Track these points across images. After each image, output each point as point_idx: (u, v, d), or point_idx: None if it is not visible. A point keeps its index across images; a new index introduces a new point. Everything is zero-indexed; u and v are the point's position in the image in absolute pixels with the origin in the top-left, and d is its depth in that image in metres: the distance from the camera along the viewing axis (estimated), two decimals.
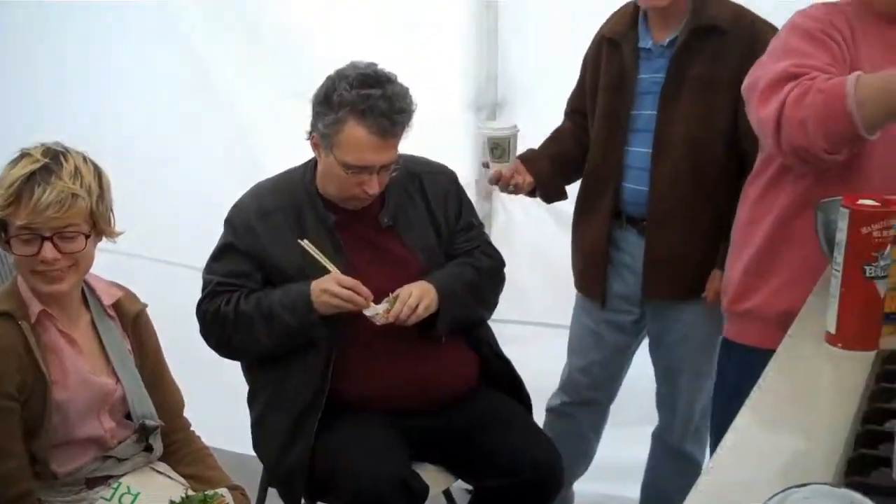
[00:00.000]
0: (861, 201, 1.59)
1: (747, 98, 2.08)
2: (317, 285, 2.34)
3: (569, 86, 2.86)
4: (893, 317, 1.66)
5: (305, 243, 2.37)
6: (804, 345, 1.67)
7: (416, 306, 2.34)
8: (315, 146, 2.42)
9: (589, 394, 2.93)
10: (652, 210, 2.63)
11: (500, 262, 2.66)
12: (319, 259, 2.36)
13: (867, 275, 1.57)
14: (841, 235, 1.58)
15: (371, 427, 2.36)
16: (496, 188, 2.88)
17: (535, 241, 3.27)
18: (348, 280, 2.34)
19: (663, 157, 2.58)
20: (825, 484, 0.98)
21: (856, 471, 1.14)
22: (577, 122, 2.82)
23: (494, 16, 3.23)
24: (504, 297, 2.69)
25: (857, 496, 0.95)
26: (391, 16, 3.26)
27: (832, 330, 1.62)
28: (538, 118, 2.96)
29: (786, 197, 2.10)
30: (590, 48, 2.77)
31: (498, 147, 2.63)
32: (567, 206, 2.87)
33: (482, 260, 2.59)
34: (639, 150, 2.63)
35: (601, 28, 2.73)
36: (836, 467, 1.18)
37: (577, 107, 2.83)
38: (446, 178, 2.62)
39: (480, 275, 2.55)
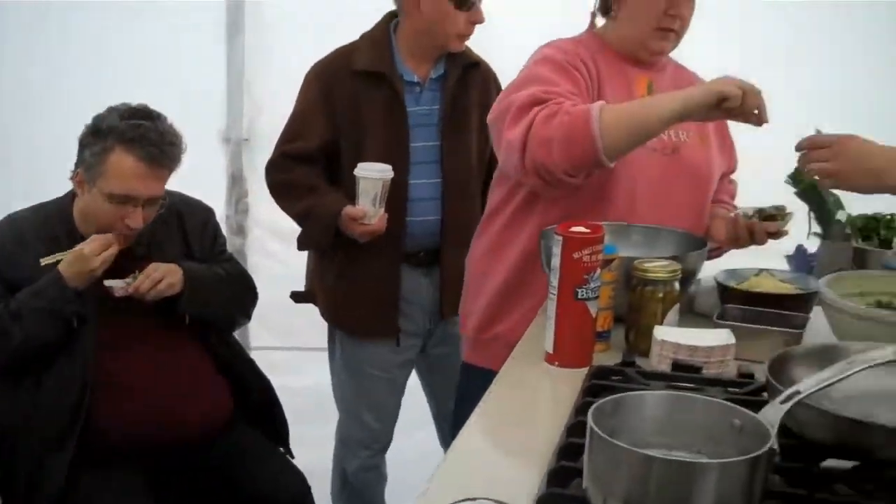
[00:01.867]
0: (573, 228, 1.70)
1: (495, 126, 2.16)
2: (66, 264, 2.31)
3: None
4: (605, 334, 1.79)
5: (44, 261, 2.32)
6: (526, 365, 1.76)
7: (160, 281, 2.35)
8: (79, 183, 2.38)
9: (385, 438, 2.99)
10: (446, 236, 2.75)
11: (250, 277, 2.70)
12: (63, 256, 2.32)
13: (579, 296, 1.68)
14: (556, 261, 1.69)
15: (120, 470, 2.31)
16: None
17: (289, 272, 3.27)
18: (95, 245, 2.30)
19: (454, 185, 2.72)
20: (489, 500, 1.05)
21: (556, 482, 1.21)
22: (318, 165, 2.77)
23: (241, 47, 3.24)
24: (264, 326, 2.69)
25: None
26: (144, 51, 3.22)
27: (550, 350, 1.72)
28: None
29: (533, 226, 2.19)
30: (326, 83, 2.73)
31: (387, 190, 2.60)
32: None
33: (232, 266, 2.64)
34: (423, 182, 2.72)
35: (341, 61, 2.74)
36: (541, 479, 1.25)
37: (313, 150, 2.75)
38: (204, 212, 2.64)
39: (229, 274, 2.59)
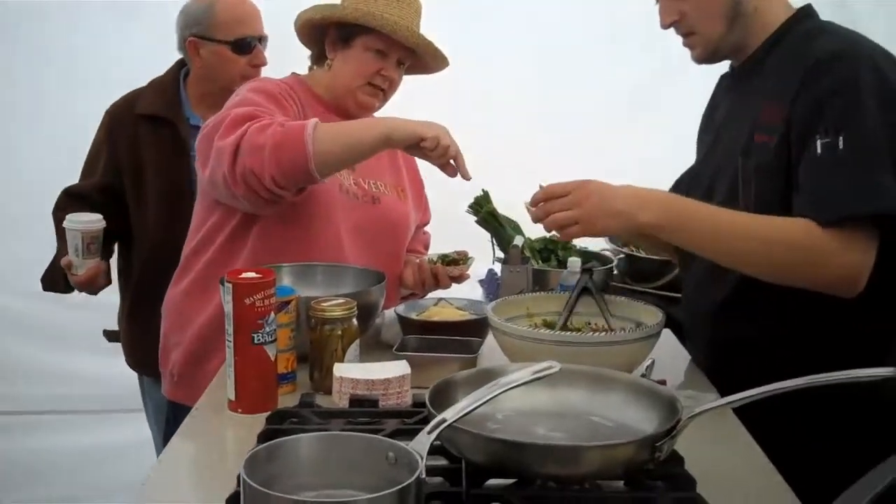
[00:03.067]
0: (244, 274, 1.69)
1: (205, 140, 2.10)
2: None
3: None
4: (290, 376, 1.80)
5: None
6: (214, 412, 1.73)
7: None
8: None
9: None
10: None
11: None
12: None
13: (256, 342, 1.68)
14: (228, 308, 1.68)
15: None
16: None
17: None
18: None
19: None
20: None
21: None
22: (93, 206, 2.70)
23: None
24: None
25: None
26: None
27: (232, 397, 1.70)
28: None
29: (240, 265, 2.15)
30: (111, 125, 2.73)
31: (95, 241, 2.53)
32: None
33: None
34: None
35: (126, 104, 2.74)
36: None
37: (92, 189, 2.73)
38: None
39: None
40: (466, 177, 2.00)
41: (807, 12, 1.91)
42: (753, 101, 1.86)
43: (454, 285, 2.46)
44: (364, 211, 2.24)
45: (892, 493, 0.98)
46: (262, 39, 2.74)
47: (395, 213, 2.32)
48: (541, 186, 1.82)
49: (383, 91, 2.26)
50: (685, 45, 1.93)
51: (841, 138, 1.68)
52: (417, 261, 2.29)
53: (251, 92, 2.17)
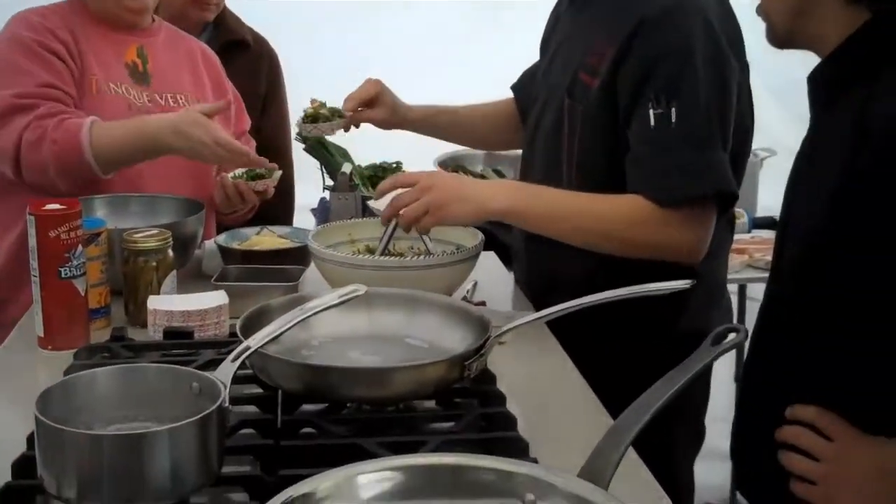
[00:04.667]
0: (47, 206, 1.62)
1: None
2: None
3: None
4: (103, 310, 1.75)
5: None
6: (23, 351, 1.68)
7: None
8: None
9: None
10: None
11: None
12: None
13: (63, 276, 1.62)
14: (32, 241, 1.61)
15: None
16: None
17: None
18: None
19: None
20: None
21: (21, 474, 1.16)
22: None
23: None
24: None
25: None
26: None
27: (41, 333, 1.65)
28: None
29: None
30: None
31: None
32: None
33: None
34: None
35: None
36: None
37: None
38: None
39: None
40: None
41: None
42: (585, 32, 1.80)
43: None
44: None
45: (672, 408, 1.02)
46: None
47: None
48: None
49: None
50: None
51: (673, 109, 1.64)
52: (218, 178, 2.19)
53: (10, 47, 2.07)
